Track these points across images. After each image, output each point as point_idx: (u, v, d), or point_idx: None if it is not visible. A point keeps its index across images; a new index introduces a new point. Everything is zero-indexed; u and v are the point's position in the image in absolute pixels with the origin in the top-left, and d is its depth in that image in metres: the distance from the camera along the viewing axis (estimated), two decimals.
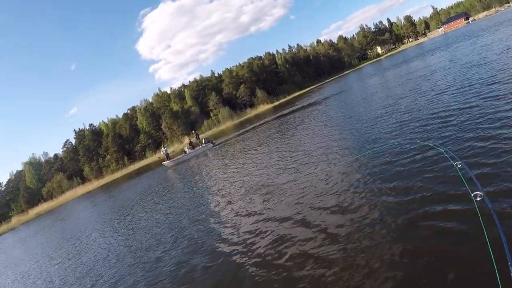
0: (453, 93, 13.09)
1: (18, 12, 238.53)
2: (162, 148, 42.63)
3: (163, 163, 36.75)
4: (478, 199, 4.94)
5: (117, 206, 22.66)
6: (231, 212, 9.88)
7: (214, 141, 38.25)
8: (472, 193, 5.15)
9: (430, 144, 8.26)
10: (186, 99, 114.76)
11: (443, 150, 7.54)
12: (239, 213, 9.50)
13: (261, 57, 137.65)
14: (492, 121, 8.20)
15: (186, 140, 41.41)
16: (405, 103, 15.31)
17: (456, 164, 6.44)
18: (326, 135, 15.53)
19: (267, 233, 7.32)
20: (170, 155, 41.59)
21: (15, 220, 75.11)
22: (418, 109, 12.93)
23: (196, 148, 36.52)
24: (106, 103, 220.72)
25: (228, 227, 8.73)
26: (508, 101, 9.23)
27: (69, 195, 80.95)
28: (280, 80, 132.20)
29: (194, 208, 12.33)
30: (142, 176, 42.85)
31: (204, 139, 38.44)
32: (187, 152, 36.23)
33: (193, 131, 47.99)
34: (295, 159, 12.94)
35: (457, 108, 10.71)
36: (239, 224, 8.62)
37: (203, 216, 10.73)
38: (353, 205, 6.89)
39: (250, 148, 22.14)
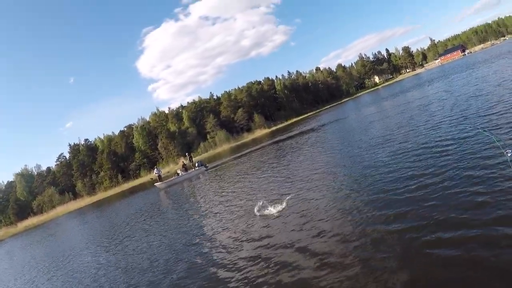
0: (450, 124, 13.33)
1: (20, 21, 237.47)
2: (155, 169, 42.22)
3: (155, 184, 36.40)
4: None
5: (108, 225, 22.59)
6: (225, 237, 9.81)
7: (207, 165, 38.15)
8: None
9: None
10: (184, 120, 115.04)
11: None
12: (233, 238, 9.43)
13: (260, 81, 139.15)
14: (488, 154, 8.39)
15: (182, 161, 41.24)
16: (401, 134, 15.34)
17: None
18: (322, 162, 15.57)
19: (263, 260, 7.24)
20: (162, 176, 41.12)
21: (2, 232, 73.92)
22: (413, 141, 12.91)
23: (189, 171, 36.45)
24: (103, 119, 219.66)
25: (223, 252, 8.64)
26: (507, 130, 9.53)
27: (60, 210, 79.98)
28: (278, 105, 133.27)
29: (186, 231, 12.20)
30: (135, 195, 42.57)
31: (198, 162, 38.44)
32: (180, 174, 36.12)
33: (187, 153, 47.85)
34: (290, 185, 12.94)
35: (453, 138, 11.04)
36: (233, 249, 8.53)
37: (197, 239, 10.64)
38: (351, 232, 6.91)
39: (245, 173, 22.15)
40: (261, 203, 11.28)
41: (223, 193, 17.32)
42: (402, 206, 7.20)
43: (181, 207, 18.69)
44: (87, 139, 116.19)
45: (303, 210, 9.32)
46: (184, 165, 37.97)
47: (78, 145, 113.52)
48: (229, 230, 10.36)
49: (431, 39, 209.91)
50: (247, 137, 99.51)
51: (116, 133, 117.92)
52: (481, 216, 5.63)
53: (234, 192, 16.53)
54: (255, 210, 10.99)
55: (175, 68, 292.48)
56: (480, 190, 6.56)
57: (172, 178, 36.13)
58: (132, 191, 58.33)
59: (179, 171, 37.32)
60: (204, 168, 36.19)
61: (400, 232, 6.15)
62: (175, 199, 22.92)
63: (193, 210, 15.99)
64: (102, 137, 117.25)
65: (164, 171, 75.56)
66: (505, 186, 6.34)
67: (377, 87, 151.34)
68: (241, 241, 8.85)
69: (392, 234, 6.16)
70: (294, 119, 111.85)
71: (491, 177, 6.99)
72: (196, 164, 37.34)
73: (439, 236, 5.49)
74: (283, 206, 10.32)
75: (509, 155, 5.31)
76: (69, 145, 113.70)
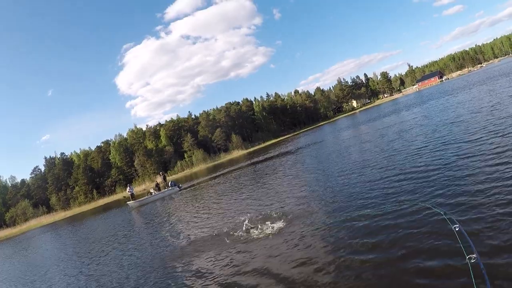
0: (429, 152, 13.41)
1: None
2: (128, 187, 41.87)
3: (127, 202, 36.19)
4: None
5: (80, 243, 22.14)
6: (195, 260, 9.63)
7: (180, 185, 38.39)
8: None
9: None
10: (161, 138, 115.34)
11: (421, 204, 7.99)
12: (203, 261, 9.27)
13: (239, 102, 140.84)
14: (470, 178, 8.64)
15: (158, 179, 41.76)
16: (377, 160, 15.54)
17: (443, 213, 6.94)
18: (298, 186, 15.58)
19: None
20: (135, 195, 41.08)
21: None
22: (389, 168, 13.07)
23: (162, 190, 36.60)
24: (80, 133, 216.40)
25: (192, 277, 8.44)
26: (488, 157, 9.88)
27: (33, 223, 78.91)
28: (256, 127, 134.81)
29: (158, 252, 11.97)
30: (109, 212, 42.24)
31: (171, 182, 38.47)
32: (153, 193, 36.21)
33: (160, 173, 48.18)
34: (265, 208, 12.90)
35: (434, 165, 11.10)
36: (202, 274, 8.35)
37: (168, 262, 10.40)
38: (326, 261, 6.79)
39: (220, 194, 22.35)
40: (234, 226, 11.43)
41: (196, 214, 17.38)
42: (375, 233, 7.30)
43: (154, 227, 18.61)
44: (63, 153, 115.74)
45: (277, 235, 9.31)
46: (157, 185, 38.24)
47: (54, 158, 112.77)
48: (200, 252, 10.20)
49: (409, 65, 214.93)
50: (224, 158, 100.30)
51: (93, 148, 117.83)
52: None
53: (207, 213, 16.58)
54: (228, 233, 10.96)
55: (153, 86, 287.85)
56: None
57: (145, 197, 36.18)
58: (107, 207, 57.80)
59: (152, 190, 37.46)
60: (178, 188, 36.42)
61: (376, 261, 6.14)
62: (148, 219, 22.81)
63: (165, 231, 15.70)
64: (78, 151, 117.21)
65: (140, 188, 75.95)
66: None
67: (355, 111, 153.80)
68: (210, 266, 8.71)
69: (370, 264, 6.13)
70: (272, 141, 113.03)
71: None
72: (170, 184, 37.52)
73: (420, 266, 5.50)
74: (257, 231, 10.19)
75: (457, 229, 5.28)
76: (45, 158, 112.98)
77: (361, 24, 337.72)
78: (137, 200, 35.96)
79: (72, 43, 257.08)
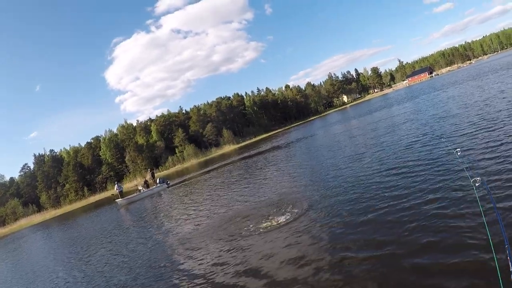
0: (420, 146, 13.34)
1: None
2: (116, 184, 41.73)
3: (116, 200, 35.83)
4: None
5: (70, 242, 21.84)
6: (184, 259, 9.42)
7: (169, 182, 38.19)
8: None
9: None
10: (152, 133, 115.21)
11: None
12: (191, 261, 9.08)
13: (229, 97, 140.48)
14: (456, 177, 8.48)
15: (147, 176, 41.07)
16: (367, 153, 15.70)
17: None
18: (288, 181, 15.46)
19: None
20: (124, 192, 40.82)
21: None
22: (379, 160, 13.24)
23: (150, 187, 36.36)
24: (69, 130, 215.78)
25: (181, 277, 8.23)
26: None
27: (23, 222, 77.85)
28: (247, 121, 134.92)
29: (147, 251, 11.75)
30: (100, 210, 42.11)
31: (159, 178, 38.35)
32: (142, 190, 35.94)
33: (149, 169, 47.71)
34: (256, 204, 12.66)
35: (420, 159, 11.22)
36: (192, 274, 8.12)
37: (155, 261, 10.24)
38: (318, 258, 6.63)
39: (210, 190, 22.27)
40: (223, 223, 11.34)
41: (184, 212, 17.21)
42: (368, 229, 7.19)
43: (142, 225, 18.34)
44: (52, 149, 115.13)
45: (269, 231, 9.08)
46: (146, 182, 37.92)
47: (43, 155, 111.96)
48: (189, 251, 10.01)
49: (399, 61, 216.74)
50: (216, 152, 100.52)
51: (83, 144, 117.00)
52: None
53: (196, 210, 16.37)
54: (216, 230, 10.88)
55: (143, 81, 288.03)
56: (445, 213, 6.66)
57: (133, 195, 35.73)
58: (98, 204, 57.32)
59: (140, 188, 37.22)
60: (166, 185, 36.31)
61: (373, 258, 5.96)
62: (136, 217, 22.62)
63: (154, 229, 15.64)
64: (68, 148, 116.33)
65: (131, 184, 75.26)
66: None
67: (345, 106, 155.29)
68: (198, 265, 8.54)
69: (364, 260, 5.96)
70: (263, 136, 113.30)
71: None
72: (158, 181, 37.36)
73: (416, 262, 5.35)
74: (248, 228, 9.97)
75: (477, 184, 5.16)
76: (34, 155, 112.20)
77: (353, 20, 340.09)
78: (126, 197, 35.60)
79: (61, 37, 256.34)
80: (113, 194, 46.63)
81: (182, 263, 9.15)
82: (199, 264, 8.60)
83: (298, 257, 6.95)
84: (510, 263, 2.95)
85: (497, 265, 3.43)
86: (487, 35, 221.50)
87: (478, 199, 5.48)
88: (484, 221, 4.80)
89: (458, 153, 7.51)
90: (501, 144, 9.72)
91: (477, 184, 5.17)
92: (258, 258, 7.59)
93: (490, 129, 12.08)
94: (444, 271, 4.80)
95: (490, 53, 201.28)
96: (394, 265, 5.46)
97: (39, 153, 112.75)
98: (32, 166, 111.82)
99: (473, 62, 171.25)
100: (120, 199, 34.98)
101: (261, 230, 9.40)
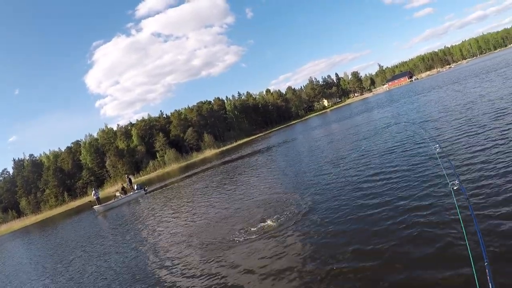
0: (402, 151, 13.33)
1: None
2: (93, 191, 41.70)
3: (94, 207, 35.92)
4: None
5: (49, 251, 21.15)
6: (159, 268, 9.33)
7: (146, 188, 38.33)
8: None
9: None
10: (133, 137, 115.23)
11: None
12: (167, 269, 9.03)
13: (210, 101, 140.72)
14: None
15: (124, 183, 41.26)
16: (346, 160, 15.58)
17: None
18: (267, 187, 15.42)
19: None
20: (101, 199, 40.56)
21: None
22: (358, 165, 13.48)
23: (128, 194, 36.48)
24: (49, 134, 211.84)
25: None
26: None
27: (3, 229, 76.56)
28: (228, 126, 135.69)
29: (124, 260, 11.56)
30: (80, 215, 41.71)
31: (137, 185, 38.46)
32: (119, 197, 36.06)
33: (126, 175, 47.72)
34: (234, 212, 12.55)
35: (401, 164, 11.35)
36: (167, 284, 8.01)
37: (131, 270, 10.06)
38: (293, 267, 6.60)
39: (189, 196, 22.29)
40: (197, 231, 11.33)
41: (161, 219, 17.20)
42: (348, 239, 7.11)
43: (119, 233, 18.03)
44: (32, 154, 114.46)
45: (251, 241, 8.84)
46: (123, 188, 38.15)
47: (22, 160, 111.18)
48: (163, 260, 9.95)
49: (379, 65, 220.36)
50: (197, 157, 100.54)
51: (63, 149, 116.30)
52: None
53: (173, 217, 16.37)
54: (193, 239, 10.79)
55: (123, 85, 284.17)
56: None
57: (111, 201, 35.82)
58: (78, 210, 56.85)
59: (118, 194, 37.43)
60: (144, 192, 36.45)
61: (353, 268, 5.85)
62: (114, 224, 22.44)
63: (131, 238, 15.26)
64: (48, 152, 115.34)
65: (113, 189, 75.11)
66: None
67: (326, 110, 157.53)
68: (173, 276, 8.44)
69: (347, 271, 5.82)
70: (244, 140, 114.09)
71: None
72: (135, 187, 37.53)
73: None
74: (225, 238, 9.77)
75: (454, 188, 5.28)
76: (13, 160, 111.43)
77: (333, 24, 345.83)
78: (103, 204, 35.68)
79: (40, 40, 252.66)
80: (90, 201, 46.53)
81: (156, 274, 8.97)
82: (172, 275, 8.49)
83: (277, 268, 6.83)
84: (490, 283, 2.87)
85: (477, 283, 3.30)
86: (466, 39, 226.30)
87: (457, 207, 5.37)
88: (464, 232, 4.76)
89: (438, 157, 7.81)
90: (483, 149, 9.83)
91: (455, 188, 5.44)
92: (237, 270, 7.35)
93: (472, 133, 12.27)
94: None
95: (469, 58, 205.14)
96: (373, 279, 5.35)
97: (18, 158, 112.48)
98: (11, 171, 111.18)
99: (452, 66, 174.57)
100: (98, 206, 35.17)
101: (241, 239, 9.17)
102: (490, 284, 2.83)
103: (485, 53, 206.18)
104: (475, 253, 4.12)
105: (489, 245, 4.91)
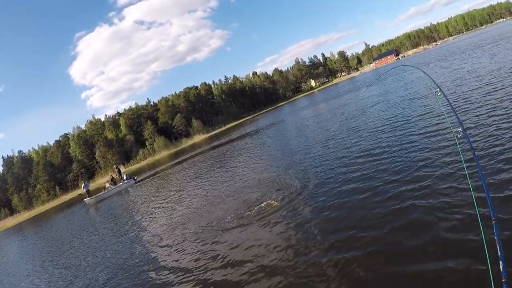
0: (391, 130, 13.17)
1: None
2: (83, 183, 41.86)
3: (84, 200, 35.85)
4: None
5: (40, 246, 21.68)
6: (155, 256, 9.44)
7: (135, 177, 38.40)
8: None
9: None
10: (121, 127, 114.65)
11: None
12: (164, 256, 9.08)
13: (197, 87, 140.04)
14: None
15: (113, 173, 41.19)
16: (335, 136, 15.85)
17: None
18: (258, 170, 15.40)
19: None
20: (91, 191, 40.85)
21: None
22: (346, 146, 13.25)
23: (118, 184, 36.46)
24: (37, 129, 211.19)
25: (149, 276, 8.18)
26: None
27: None
28: (216, 110, 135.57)
29: (119, 251, 11.49)
30: (72, 208, 41.56)
31: (126, 174, 38.49)
32: (109, 188, 36.03)
33: (115, 166, 47.57)
34: (226, 198, 12.27)
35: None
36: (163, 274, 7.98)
37: (125, 261, 10.06)
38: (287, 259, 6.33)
39: (179, 183, 22.31)
40: (191, 218, 11.30)
41: (151, 208, 17.13)
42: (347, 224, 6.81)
43: (112, 224, 18.07)
44: (21, 150, 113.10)
45: (244, 225, 8.75)
46: (112, 179, 38.05)
47: (12, 157, 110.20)
48: (159, 248, 9.98)
49: (366, 44, 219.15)
50: (186, 143, 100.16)
51: (52, 143, 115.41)
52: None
53: (164, 207, 16.11)
54: (185, 227, 10.76)
55: (108, 75, 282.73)
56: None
57: (101, 193, 35.79)
58: (71, 203, 56.49)
59: (107, 185, 37.41)
60: (133, 181, 36.50)
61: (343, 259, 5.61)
62: (105, 216, 22.51)
63: (124, 228, 15.15)
64: (37, 148, 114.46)
65: (103, 180, 74.83)
66: None
67: (313, 90, 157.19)
68: (172, 262, 8.43)
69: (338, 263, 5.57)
70: (232, 124, 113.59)
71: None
72: (125, 177, 37.52)
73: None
74: (218, 223, 9.73)
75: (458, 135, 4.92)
76: (2, 157, 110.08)
77: (318, 4, 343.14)
78: (94, 196, 35.57)
79: (22, 34, 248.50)
80: (80, 194, 46.42)
81: (155, 262, 8.97)
82: (172, 261, 8.47)
83: (283, 248, 6.78)
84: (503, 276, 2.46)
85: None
86: (452, 16, 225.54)
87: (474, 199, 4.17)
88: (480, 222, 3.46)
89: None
90: (477, 125, 9.70)
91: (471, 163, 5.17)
92: (233, 257, 7.26)
93: (462, 110, 11.92)
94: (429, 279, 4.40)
95: (455, 35, 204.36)
96: (375, 266, 5.12)
97: (7, 155, 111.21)
98: (1, 169, 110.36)
99: (439, 43, 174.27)
100: (88, 198, 35.07)
101: (234, 224, 9.13)
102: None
103: (471, 29, 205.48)
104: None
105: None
